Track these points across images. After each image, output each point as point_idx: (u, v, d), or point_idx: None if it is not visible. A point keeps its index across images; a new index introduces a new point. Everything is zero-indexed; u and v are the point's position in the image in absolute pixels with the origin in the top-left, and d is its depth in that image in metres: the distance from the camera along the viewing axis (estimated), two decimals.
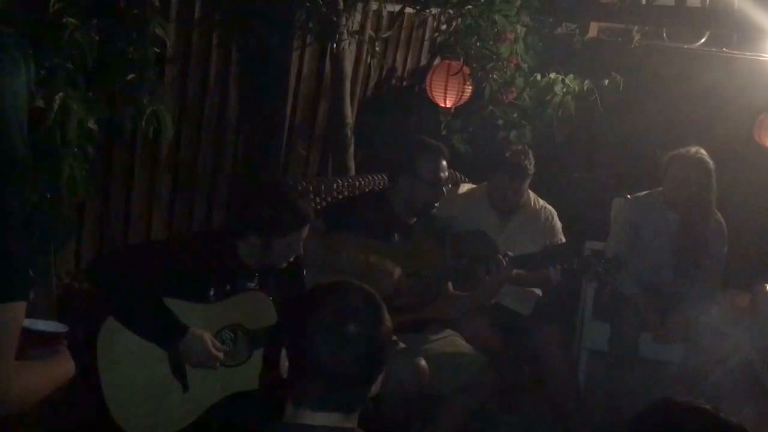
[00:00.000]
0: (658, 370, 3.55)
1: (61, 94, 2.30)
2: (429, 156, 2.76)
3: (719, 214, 3.31)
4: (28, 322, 1.39)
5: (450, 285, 2.82)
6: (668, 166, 3.25)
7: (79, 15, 2.35)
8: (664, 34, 4.83)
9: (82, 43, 2.34)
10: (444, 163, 2.79)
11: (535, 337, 3.10)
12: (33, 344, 1.38)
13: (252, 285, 2.34)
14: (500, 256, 2.71)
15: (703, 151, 3.23)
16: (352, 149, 3.86)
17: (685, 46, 4.71)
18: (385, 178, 3.59)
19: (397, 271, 2.66)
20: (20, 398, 1.24)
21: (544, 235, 3.15)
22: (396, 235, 2.78)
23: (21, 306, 1.20)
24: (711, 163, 3.20)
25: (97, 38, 2.40)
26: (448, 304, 2.80)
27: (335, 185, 3.51)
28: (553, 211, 3.28)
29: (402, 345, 2.68)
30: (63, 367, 1.40)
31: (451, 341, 2.85)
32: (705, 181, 3.19)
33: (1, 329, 1.17)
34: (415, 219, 2.83)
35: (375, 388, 1.35)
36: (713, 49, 4.60)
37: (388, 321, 1.35)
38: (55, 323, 1.46)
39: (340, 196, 3.53)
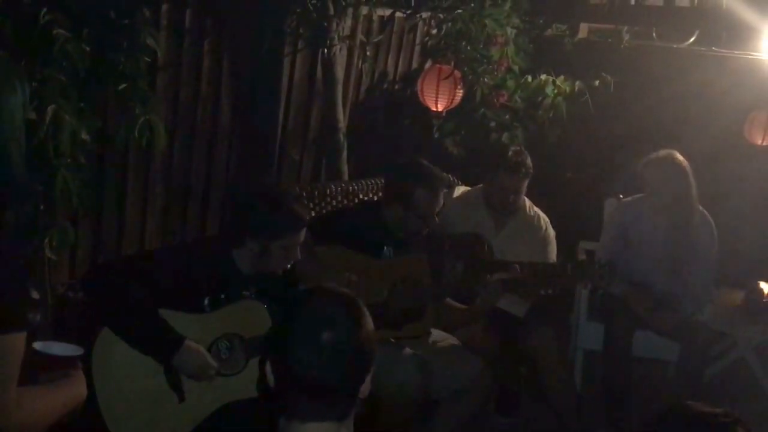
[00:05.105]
0: (653, 368, 3.57)
1: (53, 105, 2.30)
2: (426, 189, 2.66)
3: (703, 211, 3.32)
4: (41, 346, 1.37)
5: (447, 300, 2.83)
6: (644, 173, 3.26)
7: (70, 26, 2.35)
8: (654, 34, 4.86)
9: (73, 54, 2.34)
10: (441, 195, 2.71)
11: (530, 338, 3.11)
12: (45, 368, 1.36)
13: (247, 294, 2.34)
14: (495, 282, 2.72)
15: (675, 153, 3.24)
16: (345, 154, 3.86)
17: (675, 46, 4.74)
18: (379, 183, 3.61)
19: (384, 293, 2.64)
20: (27, 425, 1.22)
21: (538, 242, 3.17)
22: (386, 248, 2.75)
23: (16, 338, 1.18)
24: (685, 163, 3.21)
25: (88, 49, 2.40)
26: (437, 320, 2.79)
27: (328, 190, 3.52)
28: (547, 219, 3.29)
29: (409, 350, 2.67)
30: (74, 391, 1.37)
31: (448, 345, 2.86)
32: (683, 183, 3.20)
33: None
34: (403, 235, 2.81)
35: (364, 391, 1.34)
36: (702, 48, 4.63)
37: (368, 324, 1.32)
38: (71, 346, 1.43)
39: (334, 202, 3.52)
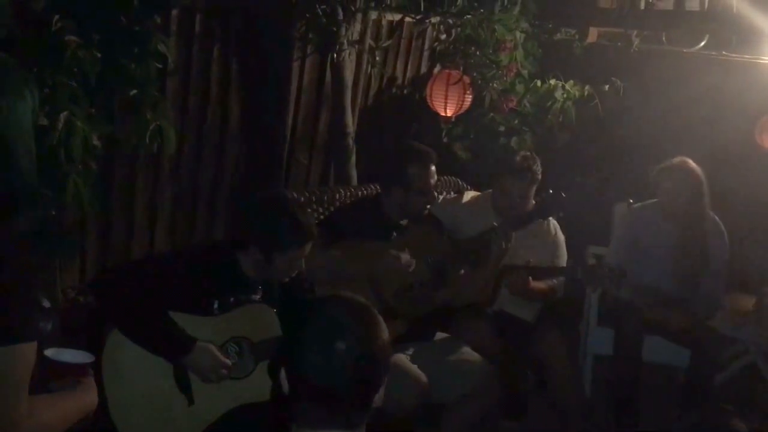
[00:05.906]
0: (663, 374, 3.56)
1: (65, 112, 2.32)
2: (417, 164, 2.78)
3: (715, 217, 3.30)
4: (52, 353, 1.37)
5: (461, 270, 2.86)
6: (657, 180, 3.26)
7: (81, 33, 2.37)
8: (663, 38, 4.83)
9: (84, 60, 2.36)
10: (433, 168, 2.81)
11: (539, 343, 3.10)
12: (56, 376, 1.36)
13: (256, 297, 2.34)
14: (501, 226, 2.80)
15: (689, 161, 3.23)
16: (353, 159, 3.87)
17: (685, 50, 4.71)
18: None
19: (404, 257, 2.69)
20: None
21: (548, 246, 3.16)
22: (394, 233, 2.82)
23: (26, 347, 1.18)
24: (699, 171, 3.21)
25: (99, 55, 2.42)
26: (460, 285, 2.82)
27: (337, 195, 3.52)
28: (557, 224, 3.28)
29: (408, 363, 2.67)
30: (85, 398, 1.38)
31: (457, 349, 2.86)
32: (696, 191, 3.21)
33: (4, 373, 1.16)
34: (406, 220, 2.86)
35: (377, 401, 1.34)
36: (712, 53, 4.61)
37: (382, 334, 1.32)
38: (81, 353, 1.43)
39: None
